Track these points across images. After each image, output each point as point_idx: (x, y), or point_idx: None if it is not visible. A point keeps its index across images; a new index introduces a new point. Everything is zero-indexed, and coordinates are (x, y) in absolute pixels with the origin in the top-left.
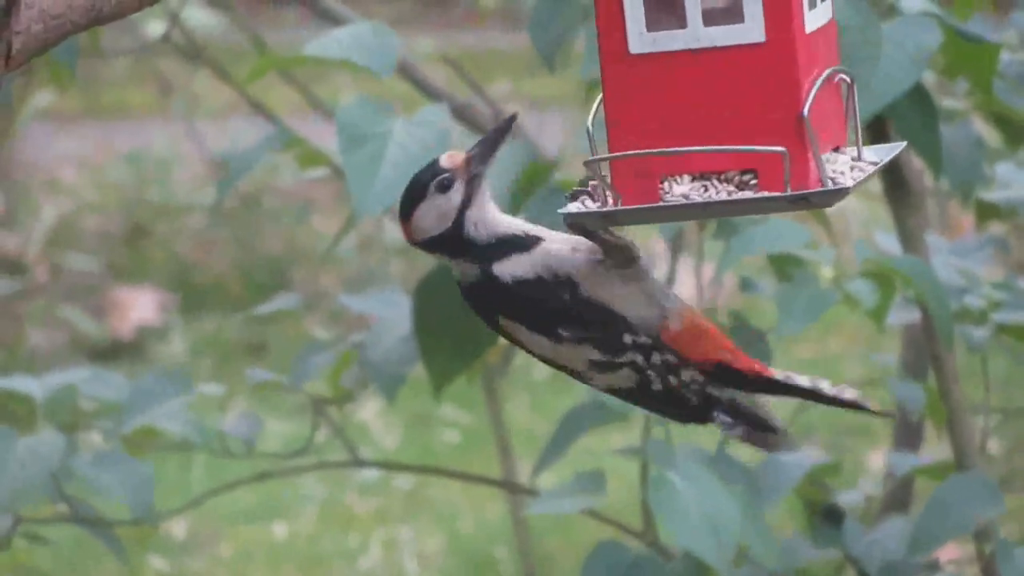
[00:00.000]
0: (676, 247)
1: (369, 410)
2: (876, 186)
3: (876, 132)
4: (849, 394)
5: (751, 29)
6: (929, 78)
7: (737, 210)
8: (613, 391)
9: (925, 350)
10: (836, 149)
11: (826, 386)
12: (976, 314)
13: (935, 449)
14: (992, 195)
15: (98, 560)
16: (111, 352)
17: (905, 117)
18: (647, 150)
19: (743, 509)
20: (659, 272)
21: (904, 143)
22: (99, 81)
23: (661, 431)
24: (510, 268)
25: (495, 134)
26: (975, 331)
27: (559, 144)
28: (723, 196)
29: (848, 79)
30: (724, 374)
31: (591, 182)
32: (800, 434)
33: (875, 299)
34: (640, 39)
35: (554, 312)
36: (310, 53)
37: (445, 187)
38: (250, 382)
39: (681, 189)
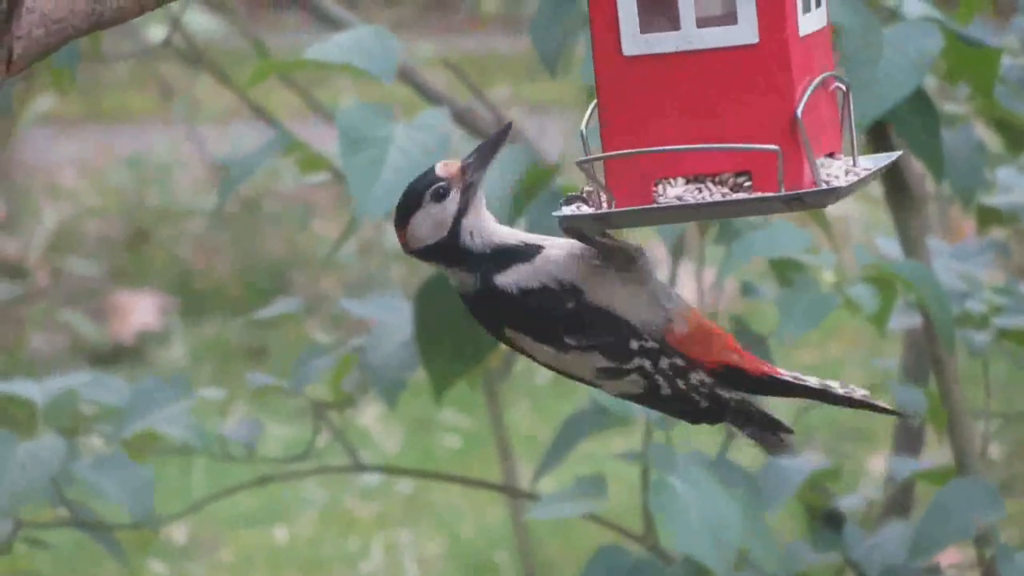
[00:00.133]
0: (677, 252)
1: (370, 414)
2: (877, 190)
3: (877, 137)
4: (859, 394)
5: (745, 31)
6: (930, 83)
7: (731, 211)
8: (624, 396)
9: (926, 354)
10: (830, 155)
11: (836, 385)
12: (977, 318)
13: (936, 453)
14: (993, 200)
15: (99, 564)
16: (112, 356)
17: (906, 122)
18: (638, 150)
19: (744, 513)
20: (660, 276)
21: (900, 152)
22: (100, 85)
23: (662, 435)
24: (513, 279)
25: (491, 142)
26: (976, 335)
27: (560, 148)
28: (717, 198)
29: (844, 87)
30: (732, 375)
31: (587, 188)
32: (801, 438)
33: (876, 304)
34: (633, 41)
35: (560, 321)
36: (311, 57)
37: (441, 196)
38: (251, 386)
39: (675, 191)
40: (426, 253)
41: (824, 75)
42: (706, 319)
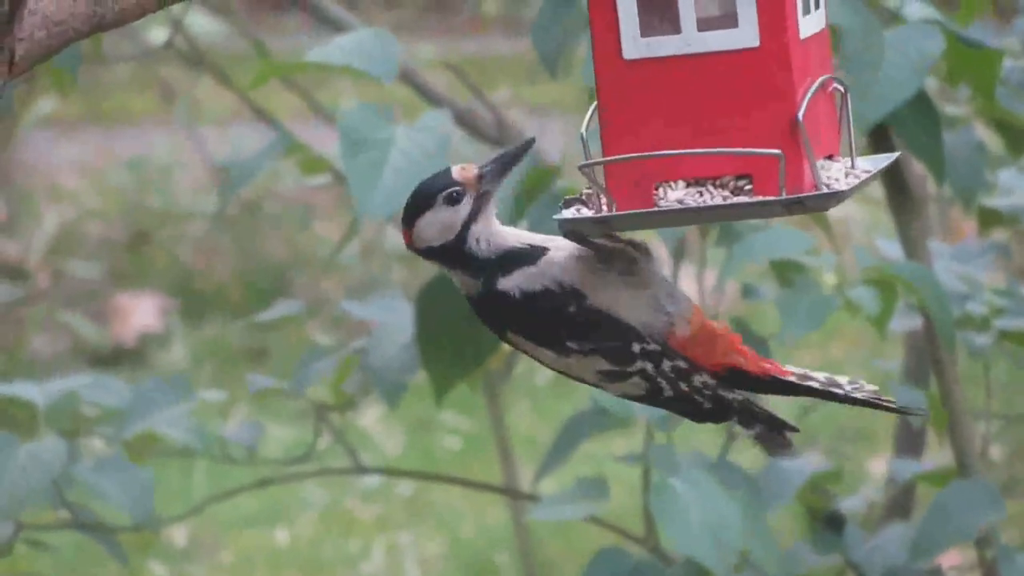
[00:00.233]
0: (678, 254)
1: (370, 416)
2: (878, 192)
3: (878, 139)
4: (864, 393)
5: (745, 34)
6: (931, 84)
7: (732, 214)
8: (626, 397)
9: (927, 356)
10: (829, 158)
11: (843, 382)
12: (978, 320)
13: (937, 455)
14: (994, 201)
15: (99, 566)
16: (112, 358)
17: (907, 123)
18: (640, 154)
19: (745, 515)
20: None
21: (898, 154)
22: (101, 87)
23: (663, 436)
24: (516, 282)
25: (511, 154)
26: (977, 337)
27: (561, 150)
28: (718, 201)
29: (842, 89)
30: (736, 376)
31: (587, 190)
32: (802, 440)
33: (877, 305)
34: (634, 44)
35: (562, 325)
36: (313, 60)
37: (454, 200)
38: (251, 388)
39: (676, 194)
40: (429, 253)
41: (823, 77)
42: (710, 320)
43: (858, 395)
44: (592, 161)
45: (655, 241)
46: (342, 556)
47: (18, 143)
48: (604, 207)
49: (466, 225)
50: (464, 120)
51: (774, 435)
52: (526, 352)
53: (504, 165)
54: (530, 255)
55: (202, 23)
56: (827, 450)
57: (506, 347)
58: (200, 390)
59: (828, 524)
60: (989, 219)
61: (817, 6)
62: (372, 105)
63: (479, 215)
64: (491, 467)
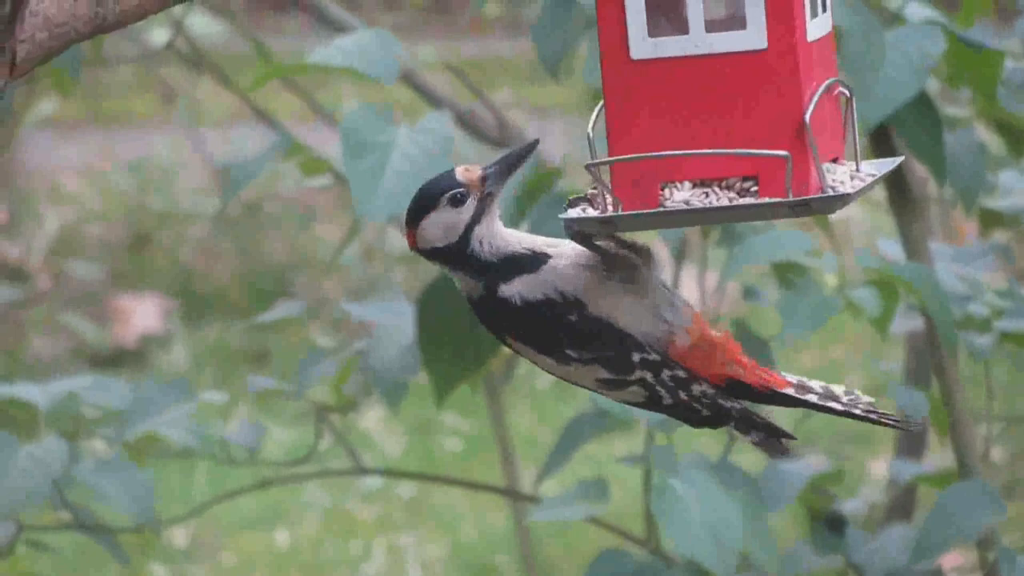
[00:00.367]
0: (679, 256)
1: (371, 418)
2: (879, 194)
3: (879, 140)
4: (861, 406)
5: (753, 36)
6: (932, 85)
7: (738, 216)
8: (626, 403)
9: (928, 357)
10: (834, 161)
11: (840, 393)
12: (979, 322)
13: (938, 456)
14: (995, 202)
15: (100, 567)
16: (113, 360)
17: (909, 125)
18: (648, 154)
19: (745, 516)
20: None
21: (902, 157)
22: (102, 89)
23: (664, 438)
24: (518, 289)
25: (515, 155)
26: (978, 338)
27: (562, 151)
28: (724, 202)
29: (847, 92)
30: (735, 387)
31: (591, 190)
32: (802, 442)
33: (878, 307)
34: (642, 45)
35: (562, 333)
36: (314, 61)
37: (458, 201)
38: (252, 390)
39: (682, 195)
40: (432, 254)
41: (829, 80)
42: (711, 330)
43: (855, 410)
44: (599, 160)
45: (656, 242)
46: (343, 557)
47: (19, 144)
48: (609, 207)
49: (470, 227)
50: (465, 121)
51: (772, 441)
52: (526, 358)
53: (508, 167)
54: (532, 261)
55: (203, 24)
56: (828, 451)
57: (507, 349)
58: (201, 392)
59: (829, 525)
60: (990, 220)
61: (824, 9)
62: (373, 106)
63: (483, 217)
64: (492, 469)
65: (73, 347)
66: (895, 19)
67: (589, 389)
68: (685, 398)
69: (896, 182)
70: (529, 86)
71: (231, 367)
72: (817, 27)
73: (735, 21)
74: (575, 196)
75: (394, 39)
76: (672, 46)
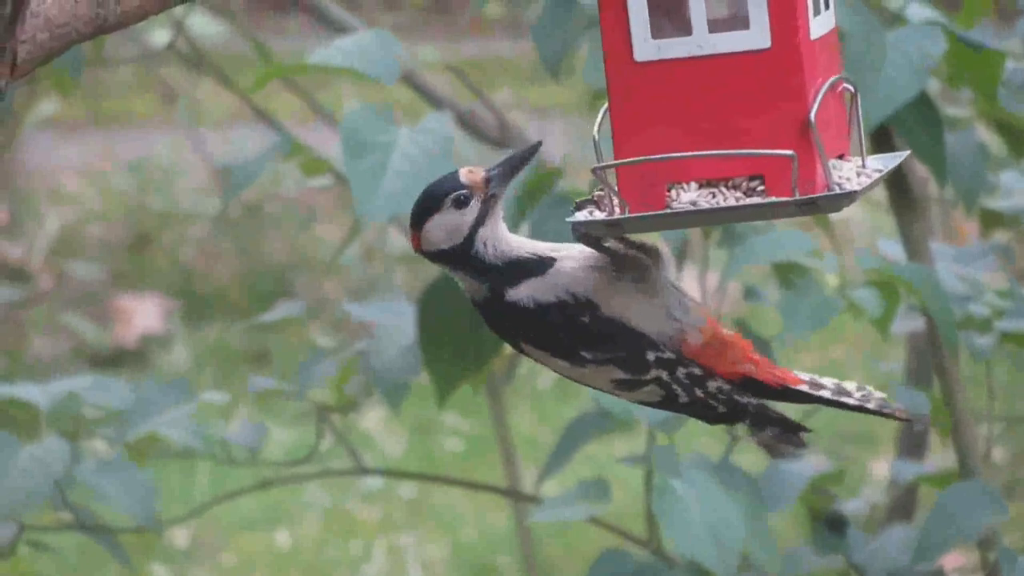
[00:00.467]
0: (681, 256)
1: (372, 418)
2: (880, 194)
3: (880, 140)
4: (874, 403)
5: (757, 35)
6: (933, 86)
7: (745, 216)
8: (642, 403)
9: (929, 358)
10: (840, 157)
11: (852, 389)
12: (980, 322)
13: (939, 457)
14: (996, 203)
15: (101, 568)
16: (114, 360)
17: (909, 125)
18: (653, 156)
19: (746, 516)
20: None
21: (908, 152)
22: (103, 89)
23: (665, 438)
24: (528, 293)
25: (518, 157)
26: (979, 339)
27: (563, 152)
28: (731, 202)
29: (852, 88)
30: (748, 385)
31: (597, 192)
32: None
33: (879, 307)
34: (645, 46)
35: (575, 335)
36: (314, 62)
37: (461, 203)
38: (253, 390)
39: (688, 196)
40: (436, 256)
41: (834, 78)
42: (723, 328)
43: (869, 405)
44: (605, 163)
45: (659, 241)
46: (344, 558)
47: (20, 145)
48: (616, 209)
49: (474, 229)
50: (466, 122)
51: (789, 436)
52: (539, 361)
53: (511, 168)
54: (537, 265)
55: (203, 25)
56: (829, 452)
57: (508, 349)
58: (202, 392)
59: (830, 526)
60: (991, 220)
61: (827, 7)
62: (373, 107)
63: (487, 219)
64: (493, 469)
65: (74, 347)
66: (896, 19)
67: (604, 391)
68: (701, 395)
69: (897, 182)
70: (529, 86)
71: (232, 367)
72: (820, 25)
73: (738, 21)
74: (581, 199)
75: (394, 39)
76: (675, 47)
